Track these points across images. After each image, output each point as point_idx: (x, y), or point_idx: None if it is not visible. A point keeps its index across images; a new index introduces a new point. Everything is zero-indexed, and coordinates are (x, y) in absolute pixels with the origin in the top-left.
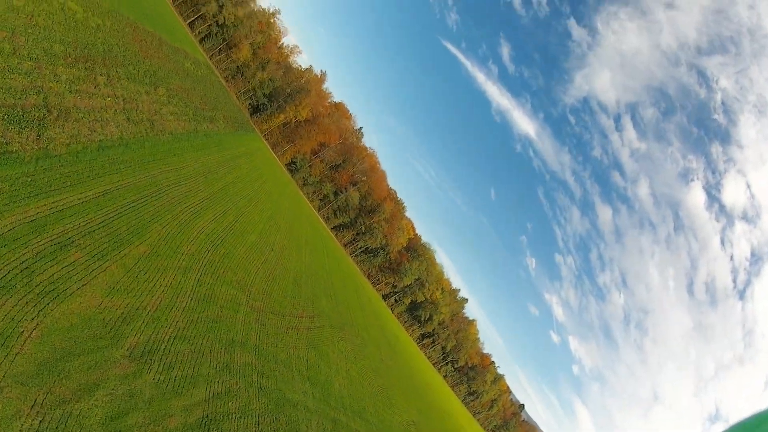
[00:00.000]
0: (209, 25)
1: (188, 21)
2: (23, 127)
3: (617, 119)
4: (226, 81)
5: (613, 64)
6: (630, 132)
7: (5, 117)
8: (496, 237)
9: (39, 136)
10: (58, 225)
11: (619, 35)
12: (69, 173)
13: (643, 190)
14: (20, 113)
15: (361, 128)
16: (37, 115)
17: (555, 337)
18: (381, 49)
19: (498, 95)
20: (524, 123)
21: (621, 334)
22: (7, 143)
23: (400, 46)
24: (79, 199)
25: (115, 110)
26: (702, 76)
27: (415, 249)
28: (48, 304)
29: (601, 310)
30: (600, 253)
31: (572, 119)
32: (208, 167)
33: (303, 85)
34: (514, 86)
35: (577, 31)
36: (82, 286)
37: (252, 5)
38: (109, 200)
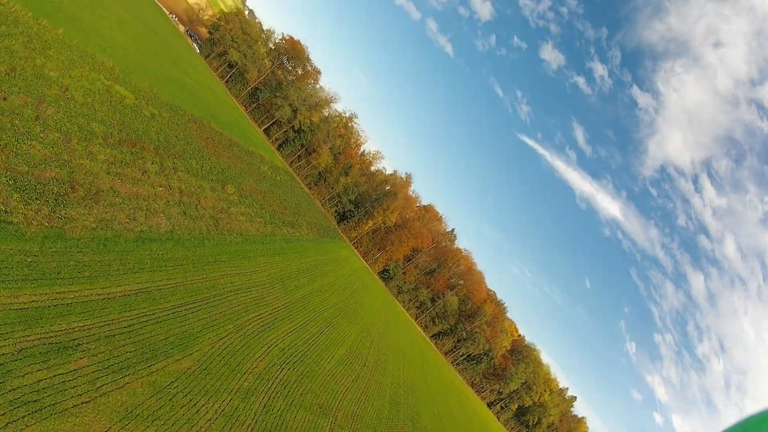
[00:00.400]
0: (285, 131)
1: (263, 127)
2: (32, 197)
3: (695, 180)
4: (309, 188)
5: (681, 123)
6: (709, 190)
7: (11, 182)
8: (594, 327)
9: (53, 212)
10: (61, 321)
11: (680, 91)
12: (89, 262)
13: (729, 248)
14: (32, 182)
15: (453, 230)
16: (55, 188)
17: (659, 418)
18: (460, 150)
19: (580, 182)
20: (609, 205)
21: (722, 401)
22: (6, 212)
23: (479, 146)
24: (99, 294)
25: (168, 201)
26: (761, 108)
27: (520, 351)
28: (23, 417)
29: (703, 383)
30: (696, 323)
31: (654, 191)
32: (286, 274)
33: (390, 190)
34: (594, 169)
35: (642, 98)
36: (82, 403)
37: (327, 109)
38: (144, 301)
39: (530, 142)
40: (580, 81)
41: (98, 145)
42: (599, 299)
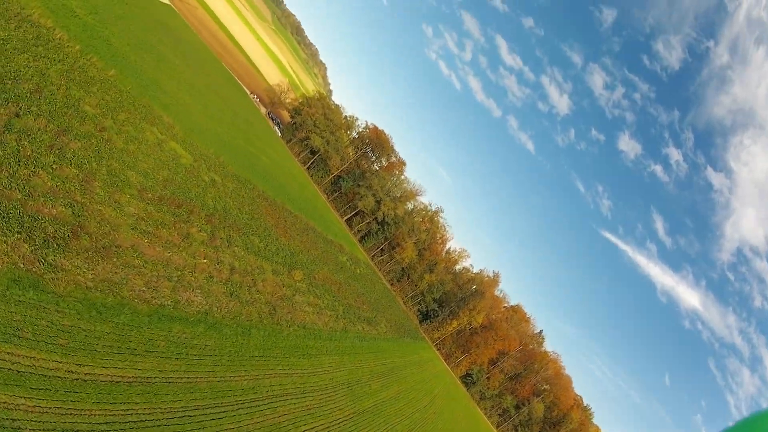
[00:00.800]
0: (368, 223)
1: (345, 218)
2: (13, 229)
3: None
4: (391, 284)
5: (753, 199)
6: None
7: None
8: (672, 424)
9: (35, 253)
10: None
11: (749, 165)
12: (69, 328)
13: None
14: (20, 212)
15: (541, 331)
16: (50, 228)
17: None
18: (542, 247)
19: (661, 275)
20: (689, 296)
21: None
22: None
23: (562, 243)
24: (71, 371)
25: (211, 277)
26: None
27: None
28: None
29: None
30: None
31: (731, 276)
32: (356, 377)
33: (477, 289)
34: (674, 261)
35: (716, 179)
36: None
37: (412, 202)
38: (141, 394)
39: (612, 238)
40: (658, 169)
41: (129, 196)
42: (678, 395)
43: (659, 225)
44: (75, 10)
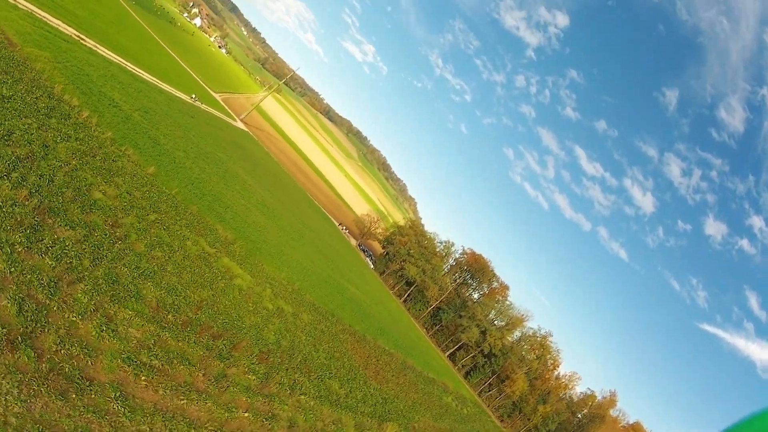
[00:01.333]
0: (473, 356)
1: (448, 352)
2: None
3: None
4: (501, 421)
5: None
6: None
7: None
8: None
9: None
10: None
11: None
12: None
13: None
14: None
15: None
16: None
17: None
18: (647, 356)
19: (759, 352)
20: None
21: None
22: None
23: (665, 348)
24: None
25: None
26: None
27: None
28: None
29: None
30: None
31: None
32: None
33: (595, 413)
34: None
35: None
36: None
37: (519, 329)
38: None
39: (711, 329)
40: (744, 244)
41: (134, 313)
42: None
43: (753, 301)
44: (117, 101)
